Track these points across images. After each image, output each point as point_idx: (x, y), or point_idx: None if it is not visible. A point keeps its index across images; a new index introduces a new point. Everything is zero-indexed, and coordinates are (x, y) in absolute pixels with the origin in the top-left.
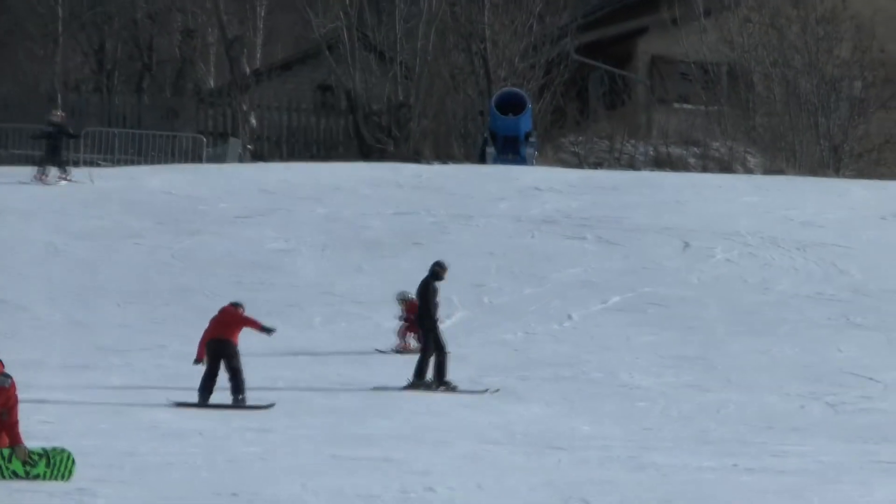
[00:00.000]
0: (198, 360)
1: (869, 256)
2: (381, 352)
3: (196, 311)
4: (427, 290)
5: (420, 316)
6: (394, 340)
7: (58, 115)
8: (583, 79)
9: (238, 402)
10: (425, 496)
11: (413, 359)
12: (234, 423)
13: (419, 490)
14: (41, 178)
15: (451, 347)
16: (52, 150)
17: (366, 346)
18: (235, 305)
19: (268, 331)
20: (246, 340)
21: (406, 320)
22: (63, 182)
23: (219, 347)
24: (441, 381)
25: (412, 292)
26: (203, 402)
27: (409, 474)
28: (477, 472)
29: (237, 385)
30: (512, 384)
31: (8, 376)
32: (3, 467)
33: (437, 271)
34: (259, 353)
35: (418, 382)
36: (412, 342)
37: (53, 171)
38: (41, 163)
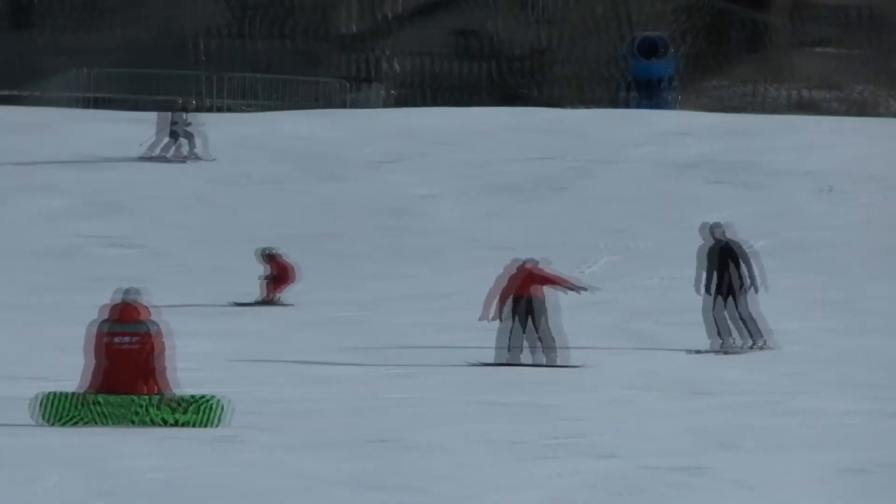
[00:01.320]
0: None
1: None
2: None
3: (339, 257)
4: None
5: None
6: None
7: (192, 103)
8: (723, 23)
9: (551, 361)
10: (573, 442)
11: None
12: (380, 370)
13: (567, 436)
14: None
15: (602, 293)
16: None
17: None
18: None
19: (580, 289)
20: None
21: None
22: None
23: (527, 304)
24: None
25: (276, 248)
26: (513, 359)
27: (557, 420)
28: (623, 418)
29: (549, 343)
30: (657, 330)
31: (153, 322)
32: (152, 413)
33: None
34: (399, 297)
35: None
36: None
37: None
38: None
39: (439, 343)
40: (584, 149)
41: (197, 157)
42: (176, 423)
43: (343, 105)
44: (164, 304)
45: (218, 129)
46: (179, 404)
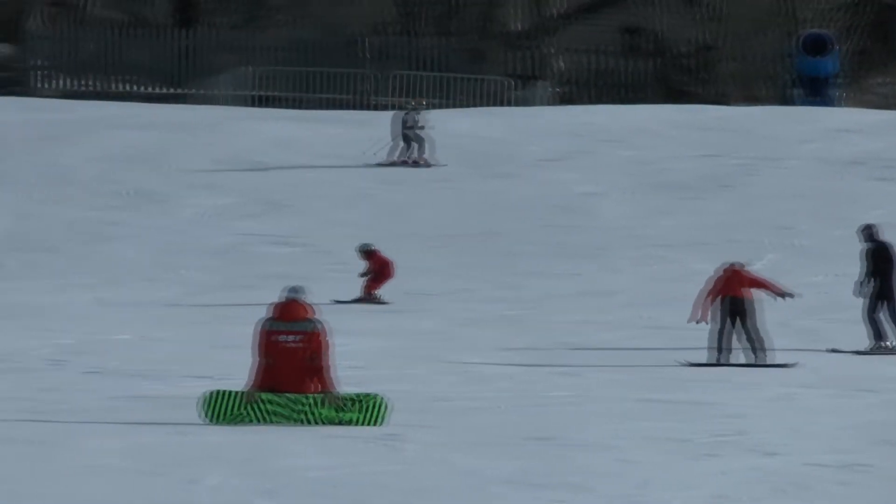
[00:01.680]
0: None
1: None
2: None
3: (504, 255)
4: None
5: None
6: None
7: (422, 103)
8: (889, 19)
9: (760, 360)
10: (736, 439)
11: None
12: (542, 368)
13: (730, 433)
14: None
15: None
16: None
17: (673, 289)
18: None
19: (787, 295)
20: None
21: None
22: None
23: (736, 304)
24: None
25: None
26: (724, 359)
27: (720, 417)
28: (787, 415)
29: (759, 343)
30: (820, 326)
31: (317, 321)
32: (315, 412)
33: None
34: (564, 295)
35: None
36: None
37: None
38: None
39: (603, 341)
40: (749, 146)
41: (427, 163)
42: (340, 422)
43: (508, 103)
44: (328, 302)
45: (383, 127)
46: (343, 403)
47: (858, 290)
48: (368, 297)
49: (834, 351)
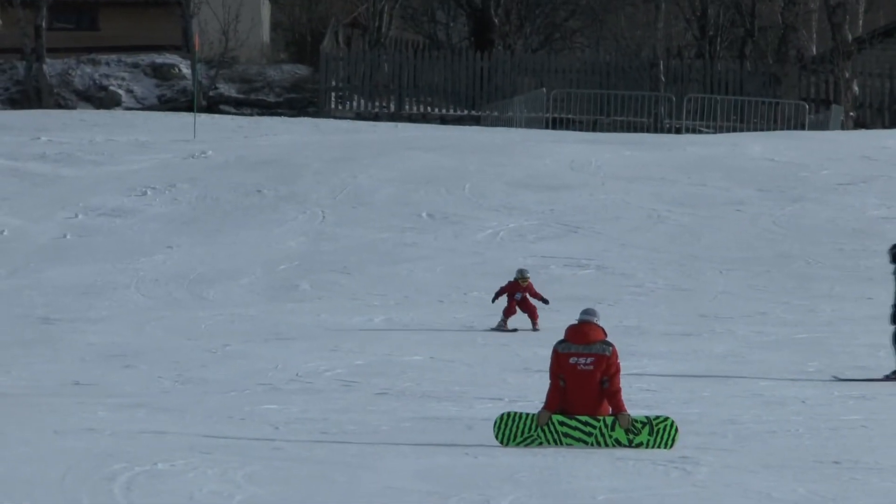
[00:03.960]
0: None
1: None
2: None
3: (797, 279)
4: None
5: None
6: None
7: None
8: None
9: None
10: None
11: None
12: (835, 391)
13: None
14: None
15: None
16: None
17: None
18: None
19: None
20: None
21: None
22: None
23: None
24: None
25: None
26: None
27: None
28: None
29: None
30: None
31: (609, 344)
32: (606, 435)
33: None
34: (858, 318)
35: None
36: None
37: None
38: None
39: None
40: None
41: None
42: (630, 444)
43: (803, 127)
44: (623, 324)
45: (678, 150)
46: (635, 425)
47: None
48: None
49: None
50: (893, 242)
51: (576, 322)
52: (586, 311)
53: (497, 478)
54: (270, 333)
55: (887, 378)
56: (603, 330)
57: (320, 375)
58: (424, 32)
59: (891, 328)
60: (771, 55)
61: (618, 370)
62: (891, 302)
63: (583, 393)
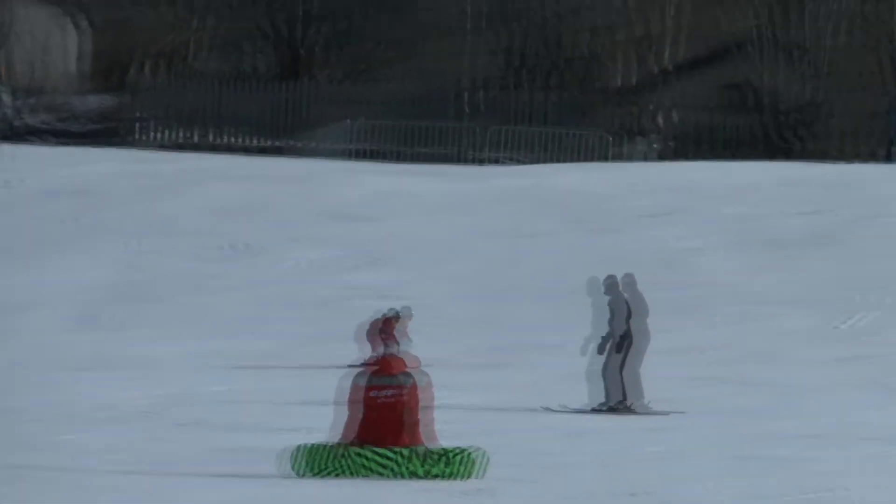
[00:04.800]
0: None
1: None
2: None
3: (599, 310)
4: None
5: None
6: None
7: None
8: None
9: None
10: (829, 497)
11: None
12: (637, 423)
13: (822, 491)
14: None
15: (860, 347)
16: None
17: (771, 346)
18: None
19: None
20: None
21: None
22: None
23: None
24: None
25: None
26: None
27: (814, 475)
28: (885, 474)
29: None
30: None
31: (410, 375)
32: (404, 466)
33: None
34: (663, 350)
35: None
36: None
37: None
38: None
39: (698, 397)
40: (852, 203)
41: None
42: (430, 476)
43: (608, 158)
44: (428, 355)
45: (482, 182)
46: (434, 457)
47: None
48: None
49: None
50: (608, 274)
51: (380, 353)
52: (388, 345)
53: None
54: (75, 362)
55: (595, 410)
56: (405, 362)
57: (123, 405)
58: (231, 63)
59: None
60: (576, 86)
61: (418, 403)
62: (601, 333)
63: (384, 423)
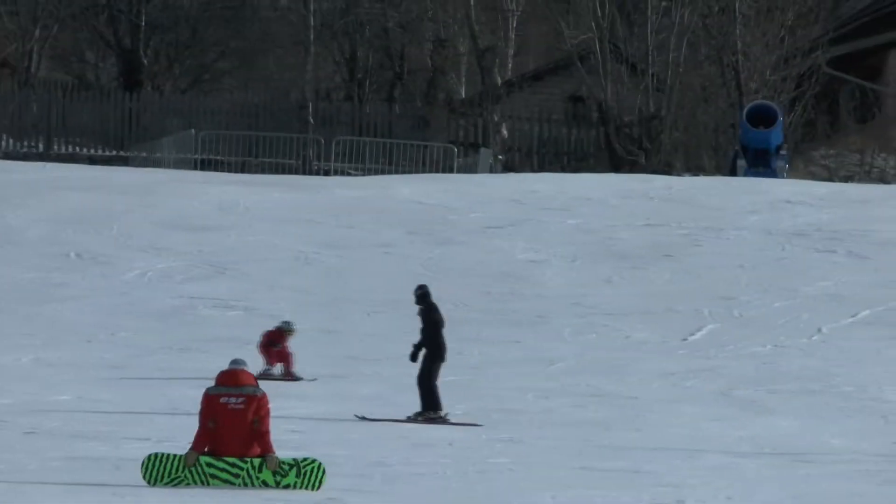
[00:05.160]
0: None
1: None
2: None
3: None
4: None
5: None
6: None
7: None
8: (833, 92)
9: None
10: None
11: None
12: (485, 435)
13: (670, 502)
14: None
15: (701, 360)
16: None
17: (615, 358)
18: None
19: None
20: (486, 353)
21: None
22: None
23: None
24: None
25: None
26: None
27: (659, 486)
28: (726, 485)
29: None
30: (761, 397)
31: (260, 388)
32: (254, 477)
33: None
34: (505, 362)
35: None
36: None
37: None
38: None
39: (543, 408)
40: (693, 216)
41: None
42: (278, 486)
43: (451, 170)
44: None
45: (326, 192)
46: (282, 467)
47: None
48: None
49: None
50: (419, 284)
51: (226, 368)
52: (235, 361)
53: None
54: None
55: (410, 419)
56: (252, 375)
57: None
58: (74, 72)
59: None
60: (420, 98)
61: (268, 413)
62: (414, 342)
63: (234, 433)
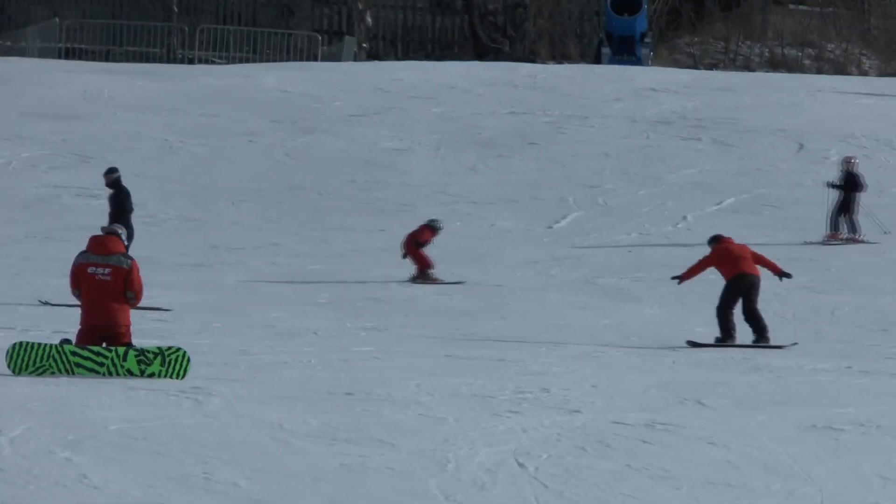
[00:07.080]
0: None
1: None
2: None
3: (310, 211)
4: None
5: None
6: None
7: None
8: None
9: (763, 342)
10: (540, 396)
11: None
12: (350, 324)
13: (534, 390)
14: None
15: (566, 248)
16: None
17: (479, 246)
18: None
19: (786, 275)
20: (351, 241)
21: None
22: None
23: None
24: None
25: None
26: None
27: (524, 375)
28: (591, 373)
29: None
30: (626, 285)
31: (129, 257)
32: (118, 366)
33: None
34: (370, 251)
35: None
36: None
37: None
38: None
39: (408, 297)
40: (558, 104)
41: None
42: (142, 375)
43: (316, 58)
44: (138, 255)
45: (191, 81)
46: (146, 356)
47: None
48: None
49: None
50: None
51: (98, 234)
52: (110, 228)
53: (9, 406)
54: None
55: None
56: (123, 244)
57: None
58: None
59: None
60: None
61: (141, 287)
62: None
63: (102, 303)
